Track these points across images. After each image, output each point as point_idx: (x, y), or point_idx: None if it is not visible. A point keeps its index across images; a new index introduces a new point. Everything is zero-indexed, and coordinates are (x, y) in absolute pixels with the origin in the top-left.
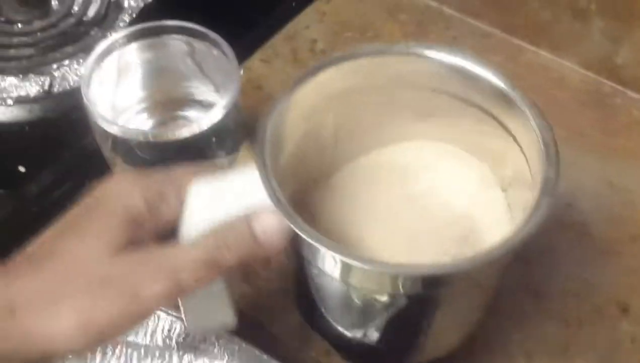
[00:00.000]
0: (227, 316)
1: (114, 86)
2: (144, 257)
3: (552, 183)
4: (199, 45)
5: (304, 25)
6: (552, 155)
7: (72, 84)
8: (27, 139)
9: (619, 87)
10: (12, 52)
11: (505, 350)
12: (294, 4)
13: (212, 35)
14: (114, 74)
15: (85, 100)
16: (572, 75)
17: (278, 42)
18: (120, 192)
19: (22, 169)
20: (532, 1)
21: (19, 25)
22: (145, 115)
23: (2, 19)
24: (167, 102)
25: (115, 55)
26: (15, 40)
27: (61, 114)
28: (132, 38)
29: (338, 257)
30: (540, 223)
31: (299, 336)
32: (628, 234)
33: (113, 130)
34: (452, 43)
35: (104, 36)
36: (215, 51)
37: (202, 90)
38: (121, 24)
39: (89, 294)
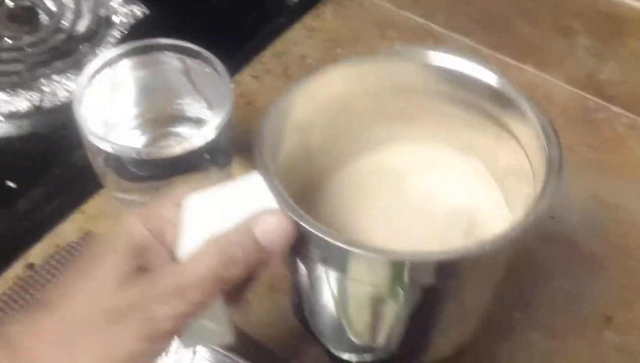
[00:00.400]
0: (224, 331)
1: (107, 103)
2: (151, 281)
3: (557, 162)
4: (191, 62)
5: (294, 41)
6: (552, 137)
7: (62, 99)
8: (17, 154)
9: (604, 103)
10: (1, 67)
11: (492, 360)
12: (282, 20)
13: (205, 53)
14: (107, 90)
15: (77, 116)
16: (557, 92)
17: (268, 58)
18: (122, 226)
19: (12, 184)
20: (518, 20)
21: (8, 40)
22: (138, 131)
23: None
24: (160, 118)
25: (107, 72)
26: (5, 55)
27: (51, 129)
28: (124, 55)
29: (350, 248)
30: (550, 203)
31: (295, 348)
32: (613, 247)
33: (105, 147)
34: None
35: (93, 52)
36: (208, 69)
37: (195, 107)
38: (111, 40)
39: (104, 328)
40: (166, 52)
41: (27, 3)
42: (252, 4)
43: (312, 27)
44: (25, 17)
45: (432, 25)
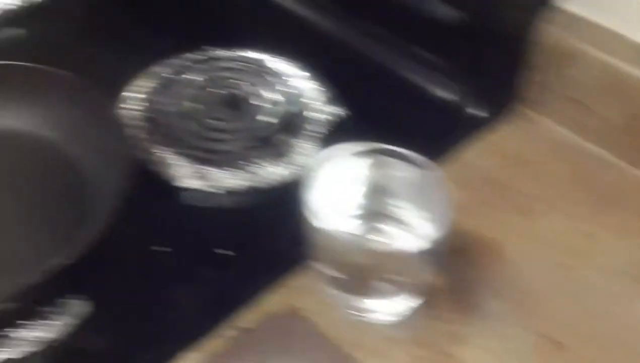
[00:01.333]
0: None
1: (331, 189)
2: None
3: None
4: (414, 170)
5: (472, 154)
6: None
7: (269, 181)
8: (231, 225)
9: None
10: (222, 146)
11: None
12: (459, 132)
13: (429, 164)
14: (331, 179)
15: (303, 197)
16: None
17: (450, 169)
18: None
19: (224, 252)
20: None
21: (225, 123)
22: (355, 220)
23: (214, 117)
24: (374, 214)
25: (336, 163)
26: (224, 136)
27: (261, 206)
28: (352, 152)
29: None
30: None
31: None
32: None
33: (327, 230)
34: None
35: (292, 143)
36: (430, 180)
37: (412, 213)
38: (311, 135)
39: None
40: (390, 156)
41: (239, 92)
42: (432, 115)
43: (490, 142)
44: (237, 105)
45: (607, 153)
